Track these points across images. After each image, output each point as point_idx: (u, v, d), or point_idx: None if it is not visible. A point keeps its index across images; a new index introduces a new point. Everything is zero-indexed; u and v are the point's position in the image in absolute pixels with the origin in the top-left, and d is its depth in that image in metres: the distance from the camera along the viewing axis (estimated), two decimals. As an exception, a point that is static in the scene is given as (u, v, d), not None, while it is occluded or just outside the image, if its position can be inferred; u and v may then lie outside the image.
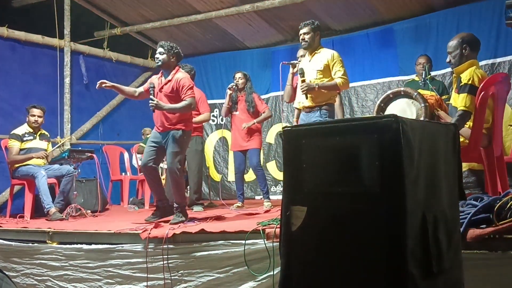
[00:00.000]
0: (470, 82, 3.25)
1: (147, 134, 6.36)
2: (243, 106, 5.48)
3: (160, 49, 4.08)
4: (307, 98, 4.10)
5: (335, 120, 4.00)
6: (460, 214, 2.26)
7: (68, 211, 5.03)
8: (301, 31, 4.22)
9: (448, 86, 5.35)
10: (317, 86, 4.04)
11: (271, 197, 5.74)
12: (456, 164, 1.95)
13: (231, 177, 7.13)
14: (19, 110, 5.96)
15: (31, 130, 5.46)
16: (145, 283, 3.45)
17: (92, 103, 7.22)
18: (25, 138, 5.37)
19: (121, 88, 4.19)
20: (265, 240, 2.94)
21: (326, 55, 4.17)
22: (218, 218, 4.08)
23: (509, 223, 2.26)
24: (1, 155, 5.61)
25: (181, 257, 3.34)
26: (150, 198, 6.41)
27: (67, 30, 6.76)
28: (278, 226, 2.65)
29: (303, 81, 4.07)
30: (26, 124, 5.48)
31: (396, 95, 3.34)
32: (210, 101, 7.45)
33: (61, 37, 6.72)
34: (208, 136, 7.58)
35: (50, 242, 3.97)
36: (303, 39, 4.20)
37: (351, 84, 6.22)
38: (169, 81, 4.07)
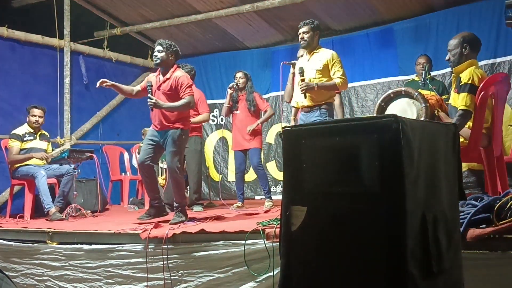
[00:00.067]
0: (470, 82, 3.25)
1: (147, 134, 6.36)
2: (243, 105, 5.48)
3: (158, 47, 4.06)
4: (306, 97, 4.10)
5: (335, 120, 4.00)
6: (460, 214, 2.26)
7: (68, 211, 5.03)
8: (301, 30, 4.22)
9: (448, 86, 5.35)
10: (316, 86, 4.04)
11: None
12: (456, 164, 1.95)
13: (231, 177, 7.14)
14: (19, 110, 5.96)
15: (32, 130, 5.46)
16: (145, 283, 3.45)
17: (92, 103, 7.22)
18: (25, 138, 5.37)
19: (120, 87, 4.18)
20: (265, 240, 2.94)
21: (325, 55, 4.18)
22: (218, 218, 4.07)
23: (509, 223, 2.26)
24: (1, 155, 5.61)
25: (181, 257, 3.34)
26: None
27: (67, 30, 6.76)
28: (278, 226, 2.65)
29: (302, 80, 4.07)
30: (26, 124, 5.48)
31: (397, 95, 3.34)
32: (210, 101, 7.45)
33: (61, 37, 6.72)
34: (208, 136, 7.58)
35: (50, 242, 3.97)
36: (302, 38, 4.20)
37: (351, 84, 6.28)
38: (168, 79, 4.06)
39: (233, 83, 5.48)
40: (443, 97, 4.68)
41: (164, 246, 3.34)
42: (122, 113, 7.59)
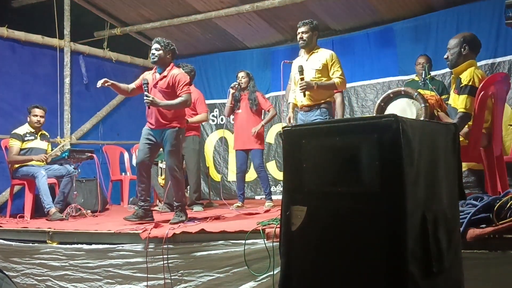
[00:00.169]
0: (470, 83, 3.25)
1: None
2: (245, 105, 5.48)
3: (156, 45, 4.06)
4: (305, 96, 4.11)
5: (335, 120, 4.00)
6: (460, 213, 2.26)
7: (68, 211, 5.03)
8: (299, 30, 4.23)
9: (448, 86, 5.35)
10: (316, 85, 4.05)
11: (271, 197, 5.74)
12: (456, 164, 1.95)
13: (231, 177, 7.14)
14: (19, 110, 5.96)
15: (33, 130, 5.46)
16: (145, 283, 3.45)
17: (92, 103, 7.22)
18: (26, 138, 5.38)
19: (117, 85, 4.15)
20: (265, 240, 2.94)
21: (324, 54, 4.19)
22: (218, 218, 4.08)
23: (509, 222, 2.26)
24: (1, 155, 5.61)
25: (181, 257, 3.34)
26: (150, 198, 6.41)
27: (67, 30, 6.75)
28: (278, 226, 2.65)
29: (302, 79, 4.07)
30: (27, 124, 5.48)
31: (397, 95, 3.34)
32: (210, 101, 7.47)
33: (61, 37, 6.71)
34: (208, 136, 7.58)
35: (50, 242, 3.97)
36: (301, 38, 4.21)
37: (351, 84, 6.29)
38: (165, 76, 4.06)
39: (235, 83, 5.48)
40: (443, 96, 4.69)
41: (164, 246, 3.35)
42: (122, 113, 7.58)
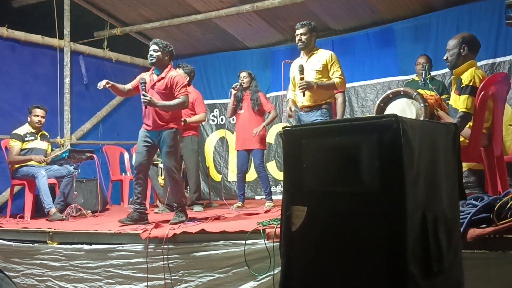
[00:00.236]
0: (471, 84, 3.25)
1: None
2: (248, 105, 5.47)
3: (154, 47, 4.05)
4: (304, 95, 4.10)
5: (335, 120, 4.01)
6: (460, 214, 2.26)
7: (68, 211, 5.03)
8: (298, 32, 4.23)
9: (448, 86, 5.35)
10: (316, 85, 4.05)
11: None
12: (456, 163, 1.95)
13: (231, 177, 7.14)
14: (19, 110, 5.96)
15: (33, 131, 5.46)
16: (145, 283, 3.45)
17: (92, 103, 7.22)
18: (26, 138, 5.38)
19: (116, 87, 4.12)
20: (265, 240, 2.94)
21: (324, 55, 4.20)
22: (218, 218, 4.08)
23: (509, 222, 2.26)
24: (1, 155, 5.61)
25: (182, 257, 3.34)
26: (150, 198, 6.41)
27: (67, 30, 6.75)
28: (278, 226, 2.65)
29: (302, 78, 4.07)
30: (27, 124, 5.48)
31: (396, 95, 3.34)
32: (210, 101, 7.47)
33: (61, 37, 6.71)
34: (208, 136, 7.58)
35: (50, 242, 3.97)
36: (300, 40, 4.22)
37: (351, 84, 6.29)
38: (163, 78, 4.05)
39: (236, 83, 5.48)
40: (443, 96, 4.69)
41: (164, 246, 3.35)
42: (122, 113, 7.58)
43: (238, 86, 5.45)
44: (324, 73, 4.16)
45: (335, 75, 4.13)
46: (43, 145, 5.52)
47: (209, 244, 3.23)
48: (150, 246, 3.44)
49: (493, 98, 3.38)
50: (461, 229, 2.24)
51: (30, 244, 4.07)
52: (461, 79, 3.32)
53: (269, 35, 7.34)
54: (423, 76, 4.86)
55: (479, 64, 4.45)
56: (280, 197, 2.04)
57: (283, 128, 1.92)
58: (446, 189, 1.84)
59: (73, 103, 6.84)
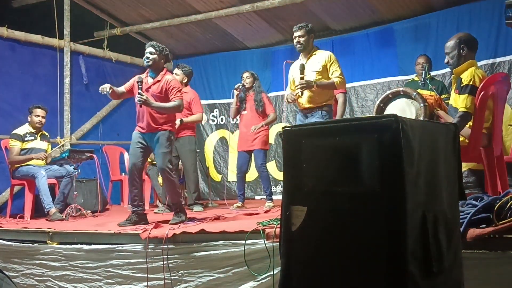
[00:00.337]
0: (471, 83, 3.24)
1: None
2: (251, 106, 5.46)
3: (151, 49, 4.04)
4: (302, 94, 4.09)
5: (334, 120, 4.01)
6: (460, 214, 2.26)
7: (68, 211, 5.03)
8: (296, 34, 4.23)
9: (448, 86, 5.35)
10: (315, 84, 4.05)
11: (271, 197, 5.73)
12: (456, 163, 1.95)
13: (231, 177, 7.13)
14: (19, 110, 5.96)
15: (33, 131, 5.46)
16: (145, 283, 3.45)
17: (92, 103, 7.21)
18: (26, 139, 5.37)
19: (114, 92, 4.10)
20: (265, 240, 2.94)
21: (323, 56, 4.21)
22: (218, 218, 4.08)
23: (509, 222, 2.26)
24: (1, 155, 5.61)
25: (181, 257, 3.34)
26: (150, 198, 6.41)
27: (67, 30, 6.75)
28: (278, 226, 2.65)
29: (302, 78, 4.07)
30: (27, 124, 5.48)
31: (395, 95, 3.34)
32: (210, 101, 7.48)
33: (61, 37, 6.71)
34: (208, 136, 7.58)
35: (50, 242, 3.97)
36: (298, 42, 4.22)
37: (351, 84, 6.29)
38: (158, 81, 4.05)
39: (238, 84, 5.47)
40: (443, 96, 4.69)
41: (164, 246, 3.35)
42: (122, 113, 7.58)
43: (240, 87, 5.44)
44: (324, 74, 4.16)
45: (335, 74, 4.13)
46: (43, 145, 5.52)
47: (209, 244, 3.23)
48: (149, 246, 3.44)
49: (493, 98, 3.38)
50: (461, 229, 2.24)
51: (30, 244, 4.07)
52: (461, 79, 3.32)
53: (269, 35, 7.34)
54: (423, 76, 4.86)
55: (479, 64, 4.45)
56: (280, 197, 2.03)
57: (283, 128, 1.92)
58: (446, 189, 1.84)
59: (73, 103, 6.84)
